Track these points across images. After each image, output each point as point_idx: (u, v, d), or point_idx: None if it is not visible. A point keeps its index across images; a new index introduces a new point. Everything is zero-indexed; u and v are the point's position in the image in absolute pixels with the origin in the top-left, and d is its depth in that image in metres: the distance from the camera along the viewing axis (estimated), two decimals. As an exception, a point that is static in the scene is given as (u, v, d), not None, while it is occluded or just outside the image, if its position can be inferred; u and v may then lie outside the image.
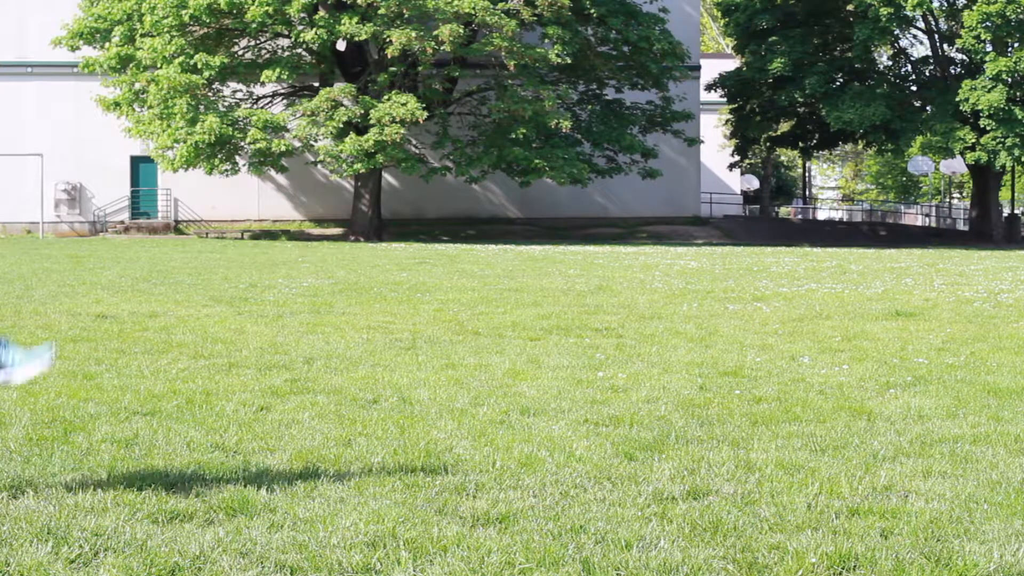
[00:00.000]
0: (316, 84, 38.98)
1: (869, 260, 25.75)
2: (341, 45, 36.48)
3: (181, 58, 35.75)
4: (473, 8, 34.54)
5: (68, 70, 41.93)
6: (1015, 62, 39.73)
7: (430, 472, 4.87)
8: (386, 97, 35.44)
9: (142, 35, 36.69)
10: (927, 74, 46.60)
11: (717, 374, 7.81)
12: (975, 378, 7.71)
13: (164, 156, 36.79)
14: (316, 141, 36.52)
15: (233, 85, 38.64)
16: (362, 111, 35.09)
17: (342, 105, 35.39)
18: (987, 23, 39.95)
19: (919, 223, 62.48)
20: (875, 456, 5.29)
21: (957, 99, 41.28)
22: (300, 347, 8.99)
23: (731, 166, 53.57)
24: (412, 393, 6.89)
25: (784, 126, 50.97)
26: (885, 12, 40.23)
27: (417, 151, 37.94)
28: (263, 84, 37.77)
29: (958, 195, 77.58)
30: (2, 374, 4.25)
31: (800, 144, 51.07)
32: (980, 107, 40.28)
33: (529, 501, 4.44)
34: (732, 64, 52.21)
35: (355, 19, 35.12)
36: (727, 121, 53.88)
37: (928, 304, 13.62)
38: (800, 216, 69.05)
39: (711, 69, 51.04)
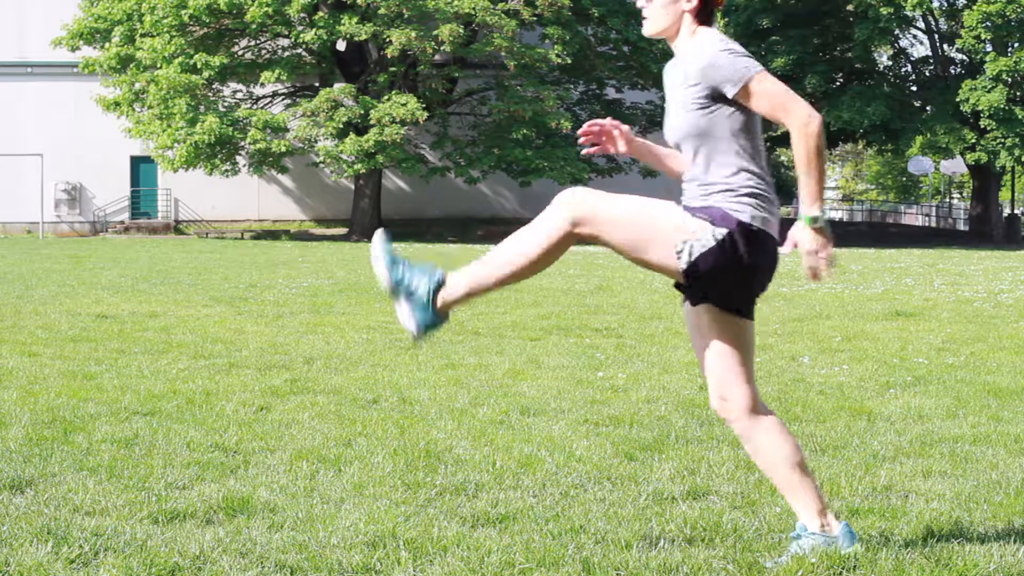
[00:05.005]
0: (316, 84, 38.99)
1: (869, 260, 25.76)
2: (341, 45, 36.52)
3: (181, 58, 35.78)
4: (473, 8, 34.56)
5: (68, 70, 41.94)
6: (1015, 62, 39.73)
7: (430, 472, 4.87)
8: (386, 97, 35.45)
9: (142, 35, 36.72)
10: (927, 74, 46.61)
11: (717, 374, 7.80)
12: (975, 378, 7.71)
13: (164, 156, 36.81)
14: (316, 142, 36.53)
15: (233, 85, 38.67)
16: (362, 111, 35.10)
17: (342, 105, 35.40)
18: (987, 23, 39.96)
19: (919, 223, 62.48)
20: (875, 456, 5.29)
21: (957, 99, 41.28)
22: (300, 347, 8.99)
23: (731, 166, 53.53)
24: (412, 393, 6.89)
25: (784, 126, 50.94)
26: (885, 12, 40.23)
27: (417, 151, 37.95)
28: (263, 85, 37.78)
29: (958, 195, 77.59)
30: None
31: (800, 144, 51.01)
32: (980, 107, 40.29)
33: (529, 501, 4.44)
34: (732, 64, 52.19)
35: (355, 19, 35.14)
36: (727, 121, 53.86)
37: (928, 304, 13.62)
38: (800, 216, 68.98)
39: (711, 69, 51.00)
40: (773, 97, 3.50)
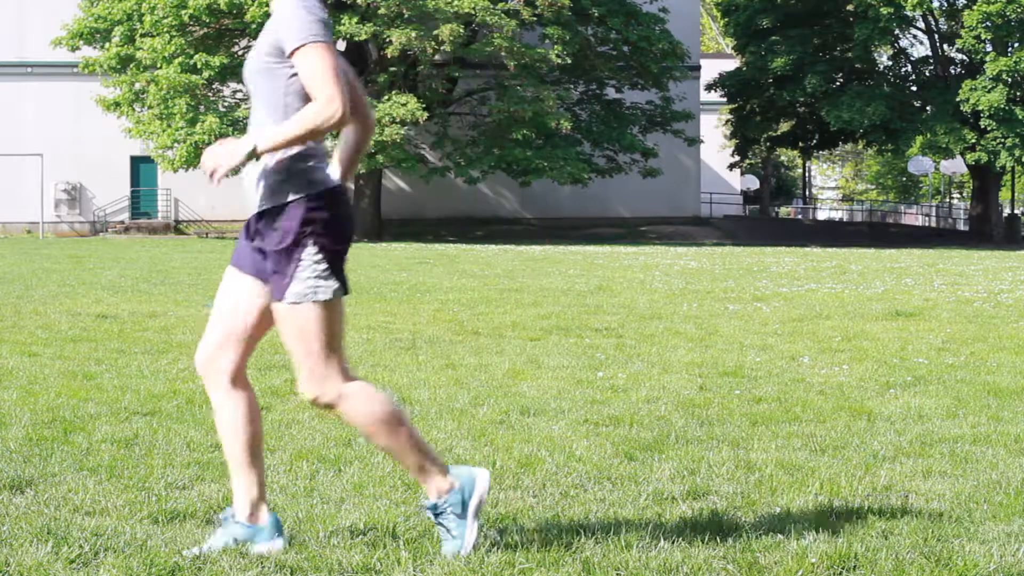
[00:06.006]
0: (316, 84, 38.94)
1: (869, 260, 25.76)
2: (341, 45, 36.47)
3: (181, 58, 35.74)
4: (473, 8, 34.54)
5: (68, 70, 41.92)
6: (1015, 62, 39.72)
7: (430, 472, 4.87)
8: (386, 97, 35.43)
9: (142, 35, 36.69)
10: (927, 74, 46.60)
11: (717, 374, 7.81)
12: (975, 378, 7.71)
13: (164, 156, 36.78)
14: (316, 141, 36.47)
15: (233, 85, 38.62)
16: (362, 111, 35.04)
17: (342, 105, 35.34)
18: (987, 23, 39.95)
19: (919, 223, 62.48)
20: (875, 456, 5.29)
21: (957, 99, 41.27)
22: (300, 347, 8.97)
23: (731, 166, 53.59)
24: (412, 393, 6.89)
25: (784, 126, 50.98)
26: (885, 12, 40.23)
27: (417, 151, 37.94)
28: (263, 84, 37.70)
29: (958, 195, 77.59)
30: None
31: (800, 144, 51.11)
32: (980, 107, 40.28)
33: (529, 501, 4.44)
34: (732, 64, 52.24)
35: (355, 19, 35.12)
36: (727, 121, 53.89)
37: (928, 304, 13.63)
38: (800, 216, 69.05)
39: (711, 69, 51.05)
40: (314, 72, 3.47)
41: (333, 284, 3.60)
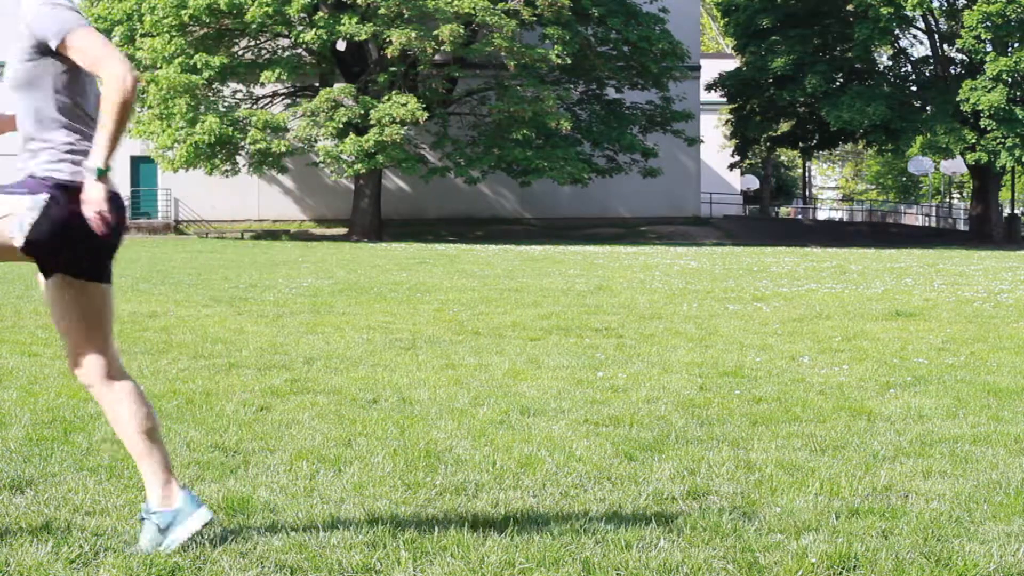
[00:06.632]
0: (316, 84, 38.98)
1: (869, 260, 25.75)
2: (341, 45, 36.49)
3: (181, 58, 35.76)
4: (473, 8, 34.54)
5: (68, 70, 41.88)
6: (1015, 62, 39.72)
7: (430, 472, 4.87)
8: (386, 97, 35.44)
9: (142, 35, 36.70)
10: (927, 74, 46.60)
11: (717, 374, 7.81)
12: (975, 378, 7.71)
13: (164, 156, 36.79)
14: (316, 142, 36.51)
15: (233, 85, 38.64)
16: (362, 111, 35.08)
17: (342, 105, 35.38)
18: (987, 23, 39.94)
19: (919, 223, 62.48)
20: (875, 456, 5.29)
21: (957, 99, 41.27)
22: (300, 347, 8.99)
23: (731, 166, 53.59)
24: (412, 393, 6.89)
25: (784, 126, 50.98)
26: (885, 12, 40.23)
27: (417, 151, 37.93)
28: (263, 85, 37.75)
29: (958, 195, 77.60)
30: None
31: (800, 144, 51.10)
32: (980, 107, 40.28)
33: (529, 501, 4.44)
34: (732, 64, 52.25)
35: (355, 19, 35.13)
36: (727, 121, 53.89)
37: (928, 304, 13.62)
38: (800, 216, 69.05)
39: (711, 69, 51.06)
40: (90, 50, 3.52)
41: (21, 234, 3.55)
